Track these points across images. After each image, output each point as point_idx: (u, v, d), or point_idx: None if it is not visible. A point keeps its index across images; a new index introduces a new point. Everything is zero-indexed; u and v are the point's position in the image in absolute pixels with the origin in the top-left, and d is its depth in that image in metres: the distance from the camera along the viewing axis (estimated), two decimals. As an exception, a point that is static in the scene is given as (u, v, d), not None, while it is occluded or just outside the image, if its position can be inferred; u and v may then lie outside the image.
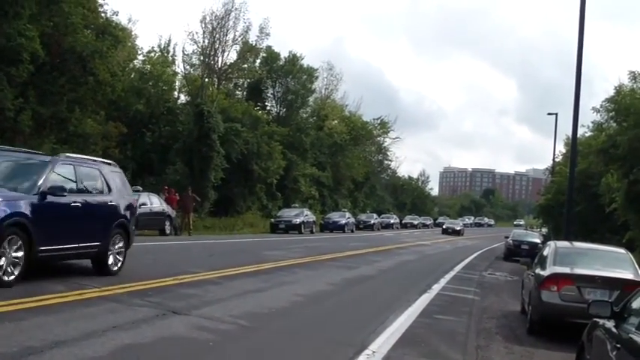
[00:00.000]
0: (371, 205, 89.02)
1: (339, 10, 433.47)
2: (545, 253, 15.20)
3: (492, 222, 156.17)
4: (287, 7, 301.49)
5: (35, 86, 31.20)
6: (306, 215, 51.09)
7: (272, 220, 49.25)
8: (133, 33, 50.84)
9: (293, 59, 69.17)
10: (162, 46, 55.53)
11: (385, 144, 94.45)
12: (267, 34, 59.73)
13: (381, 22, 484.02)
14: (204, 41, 54.87)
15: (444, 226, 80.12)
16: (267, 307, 12.71)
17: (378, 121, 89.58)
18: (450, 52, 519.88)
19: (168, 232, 33.12)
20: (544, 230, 61.21)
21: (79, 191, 13.47)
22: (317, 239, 41.55)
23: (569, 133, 29.39)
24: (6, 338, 8.07)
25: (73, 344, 8.17)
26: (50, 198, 12.15)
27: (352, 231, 58.95)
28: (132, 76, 47.63)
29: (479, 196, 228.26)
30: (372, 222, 70.84)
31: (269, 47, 65.15)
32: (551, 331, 13.23)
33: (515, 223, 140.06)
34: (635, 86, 30.26)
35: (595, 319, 8.20)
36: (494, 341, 12.49)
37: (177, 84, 54.65)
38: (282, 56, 68.48)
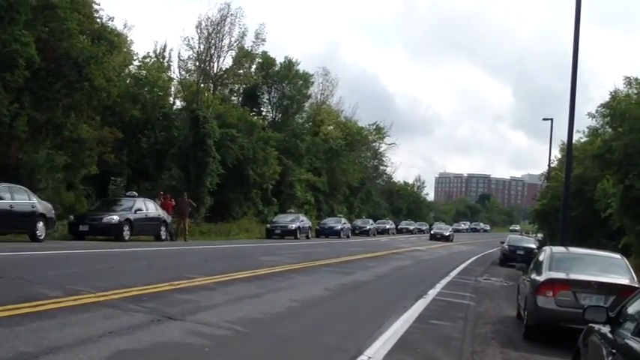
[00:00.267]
0: (366, 210, 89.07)
1: (333, 15, 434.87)
2: (540, 258, 15.20)
3: (488, 227, 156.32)
4: (282, 12, 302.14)
5: (31, 92, 31.16)
6: (302, 221, 51.16)
7: (268, 225, 49.27)
8: (128, 38, 50.91)
9: (289, 65, 69.31)
10: (157, 52, 55.63)
11: (381, 149, 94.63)
12: (263, 40, 59.92)
13: (375, 28, 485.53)
14: (199, 47, 54.95)
15: (432, 232, 76.45)
16: (263, 312, 12.69)
17: (374, 127, 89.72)
18: (445, 57, 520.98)
19: (163, 237, 33.09)
20: (540, 235, 61.30)
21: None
22: (313, 245, 41.54)
23: (565, 138, 29.41)
24: (1, 344, 8.04)
25: (69, 350, 8.15)
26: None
27: (348, 236, 59.01)
28: (127, 81, 47.56)
29: (474, 201, 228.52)
30: (368, 227, 70.93)
31: (265, 53, 65.35)
32: (547, 337, 13.23)
33: (510, 228, 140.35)
34: (630, 92, 30.38)
35: (591, 325, 8.20)
36: (490, 347, 12.49)
37: (172, 89, 54.64)
38: (277, 62, 68.60)
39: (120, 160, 41.78)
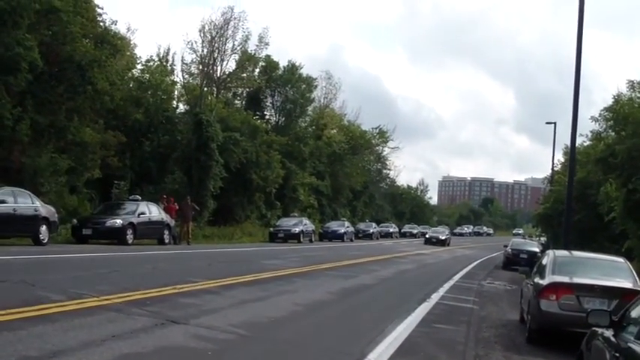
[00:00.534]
0: (370, 214, 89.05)
1: (336, 19, 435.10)
2: (544, 262, 15.18)
3: (491, 231, 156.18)
4: (285, 16, 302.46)
5: (33, 95, 31.19)
6: (305, 224, 51.13)
7: (271, 229, 49.29)
8: (131, 42, 50.85)
9: (292, 68, 69.27)
10: (161, 55, 55.67)
11: (384, 153, 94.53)
12: (267, 44, 60.03)
13: (378, 31, 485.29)
14: (203, 50, 55.05)
15: (426, 236, 71.25)
16: (266, 316, 12.68)
17: (377, 131, 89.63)
18: (447, 60, 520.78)
19: (167, 241, 33.06)
20: (543, 239, 61.26)
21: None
22: (316, 248, 41.56)
23: (568, 142, 29.36)
24: (4, 348, 8.05)
25: (72, 354, 8.15)
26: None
27: (351, 240, 58.98)
28: (130, 85, 47.58)
29: (478, 205, 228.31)
30: (371, 231, 70.92)
31: (268, 56, 65.33)
32: (550, 341, 13.22)
33: (514, 232, 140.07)
34: (633, 95, 30.36)
35: (594, 329, 8.20)
36: (494, 350, 12.47)
37: (176, 93, 54.62)
38: (281, 65, 68.61)
39: (123, 163, 41.78)
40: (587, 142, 38.72)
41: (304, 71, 70.96)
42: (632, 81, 30.63)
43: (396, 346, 11.10)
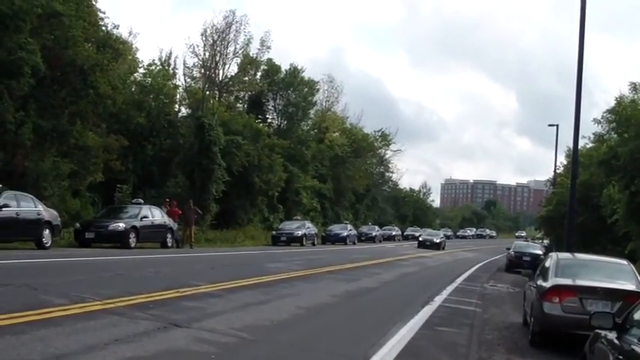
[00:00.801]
0: (372, 217, 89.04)
1: (337, 22, 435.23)
2: (547, 264, 15.16)
3: (494, 233, 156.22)
4: (286, 19, 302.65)
5: (36, 99, 31.19)
6: (308, 227, 51.12)
7: (273, 232, 49.29)
8: (133, 46, 50.88)
9: (294, 72, 69.37)
10: (163, 59, 55.59)
11: (386, 156, 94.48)
12: (268, 47, 60.02)
13: (379, 34, 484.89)
14: (205, 54, 55.07)
15: (420, 238, 66.83)
16: (269, 319, 12.68)
17: (379, 133, 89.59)
18: (449, 63, 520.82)
19: (169, 244, 33.09)
20: (546, 242, 61.23)
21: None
22: (318, 251, 41.54)
23: (570, 144, 29.45)
24: (7, 352, 8.05)
25: (75, 358, 8.16)
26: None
27: (354, 243, 58.95)
28: (133, 89, 47.58)
29: (480, 207, 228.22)
30: (374, 234, 70.87)
31: (270, 60, 65.39)
32: (554, 343, 13.20)
33: (516, 234, 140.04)
34: (635, 97, 30.40)
35: (597, 331, 8.20)
36: (497, 353, 12.47)
37: (178, 97, 54.63)
38: (282, 69, 68.68)
39: (125, 167, 41.77)
40: (590, 145, 38.79)
41: (306, 74, 71.22)
42: (635, 83, 30.70)
43: (399, 349, 11.10)
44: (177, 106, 54.66)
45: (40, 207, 25.71)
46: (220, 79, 56.80)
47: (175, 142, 47.59)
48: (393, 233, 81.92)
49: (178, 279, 17.56)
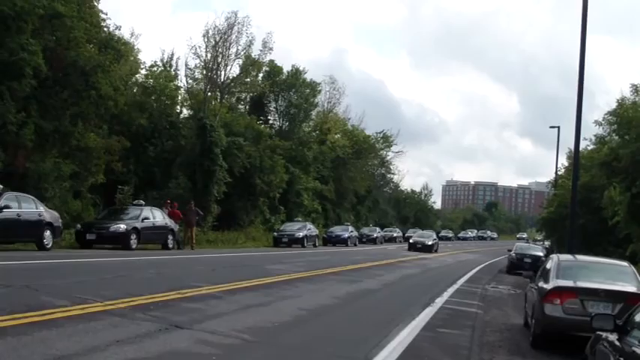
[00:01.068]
0: (374, 218, 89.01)
1: (339, 23, 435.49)
2: (548, 266, 15.16)
3: (495, 235, 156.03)
4: (288, 21, 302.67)
5: (38, 100, 31.20)
6: (309, 229, 51.12)
7: (275, 233, 49.30)
8: (135, 47, 50.99)
9: (296, 73, 69.42)
10: (164, 60, 55.67)
11: (388, 157, 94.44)
12: (270, 49, 59.84)
13: (381, 36, 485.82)
14: (206, 55, 54.91)
15: (410, 241, 61.91)
16: (271, 321, 12.68)
17: (381, 135, 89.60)
18: (451, 64, 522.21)
19: (171, 246, 33.12)
20: (547, 243, 61.21)
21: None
22: (320, 253, 41.53)
23: (572, 146, 29.41)
24: (8, 353, 8.06)
25: (76, 359, 8.16)
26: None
27: (355, 244, 58.94)
28: (134, 90, 47.64)
29: (482, 209, 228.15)
30: (375, 235, 70.78)
31: (272, 61, 65.32)
32: (555, 345, 13.20)
33: (518, 236, 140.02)
34: (637, 99, 30.39)
35: (598, 333, 8.20)
36: (498, 355, 12.46)
37: (179, 98, 54.65)
38: (284, 70, 68.70)
39: (127, 168, 41.80)
40: (591, 146, 38.82)
41: (308, 76, 71.29)
42: (636, 85, 30.72)
43: (400, 351, 11.09)
44: (178, 107, 54.75)
45: (42, 208, 25.72)
46: (222, 80, 56.67)
47: (177, 144, 47.62)
48: (395, 235, 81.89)
49: (179, 280, 17.56)
